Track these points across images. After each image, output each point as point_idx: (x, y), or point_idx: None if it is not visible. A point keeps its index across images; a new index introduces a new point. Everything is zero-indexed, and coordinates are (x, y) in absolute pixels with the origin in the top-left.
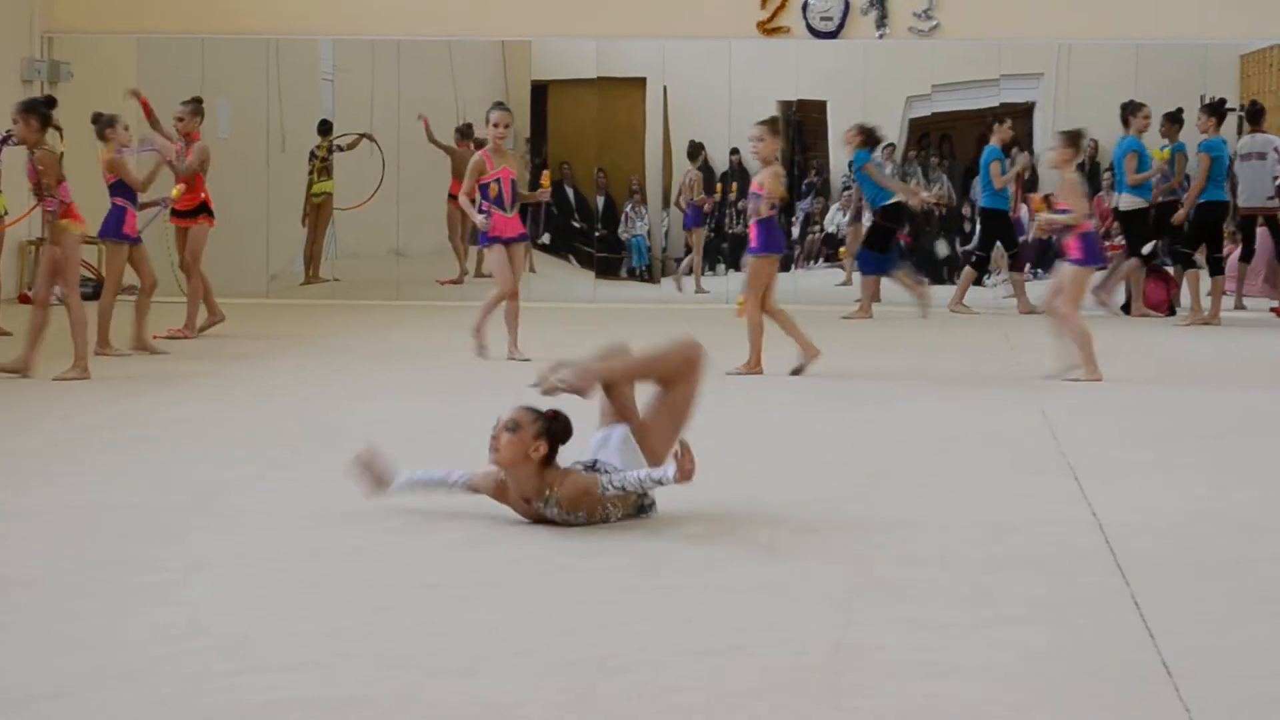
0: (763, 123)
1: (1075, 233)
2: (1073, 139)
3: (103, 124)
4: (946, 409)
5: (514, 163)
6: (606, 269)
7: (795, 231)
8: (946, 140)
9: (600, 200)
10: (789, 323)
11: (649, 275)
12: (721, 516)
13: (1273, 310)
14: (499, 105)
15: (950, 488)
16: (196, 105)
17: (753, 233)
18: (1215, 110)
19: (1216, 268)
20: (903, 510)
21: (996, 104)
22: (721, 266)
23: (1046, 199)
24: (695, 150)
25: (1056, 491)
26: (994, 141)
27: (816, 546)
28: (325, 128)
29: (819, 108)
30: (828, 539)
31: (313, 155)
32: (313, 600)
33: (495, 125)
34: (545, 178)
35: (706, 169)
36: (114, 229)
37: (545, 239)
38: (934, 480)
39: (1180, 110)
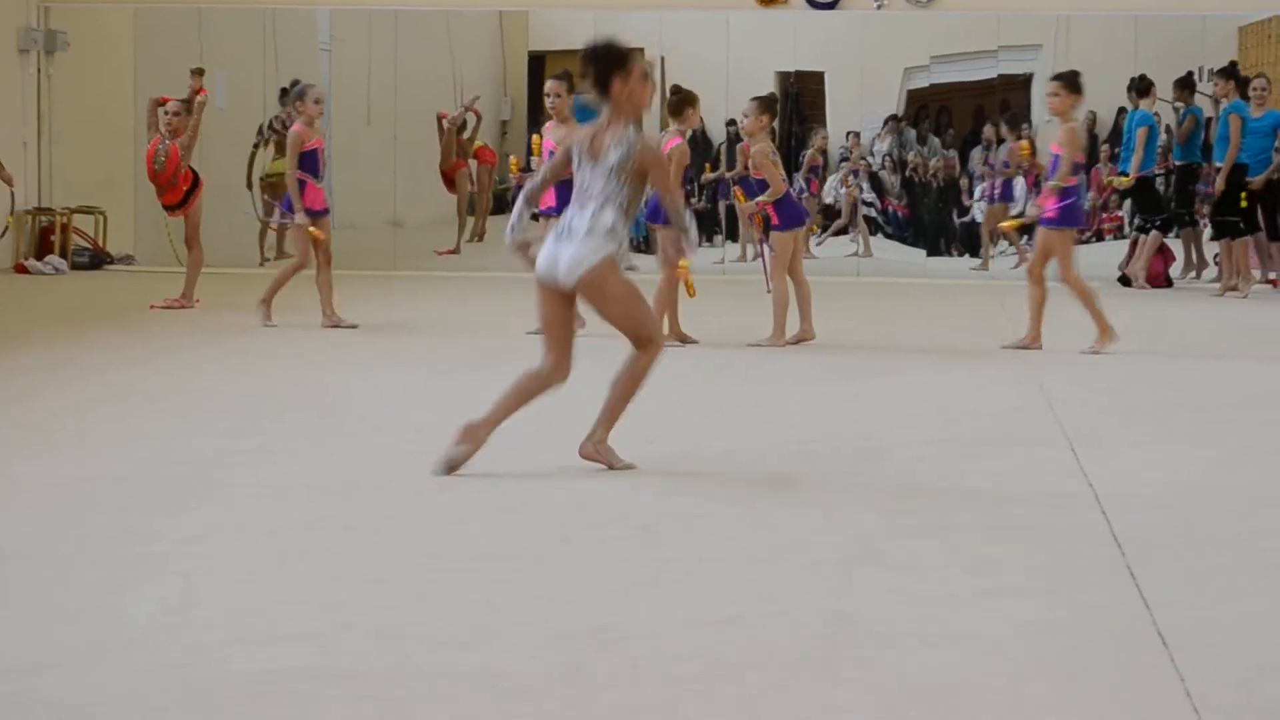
0: (755, 99)
1: (1054, 191)
2: (1073, 82)
3: (294, 96)
4: (944, 380)
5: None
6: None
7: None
8: (945, 111)
9: None
10: (805, 297)
11: (646, 247)
12: (718, 488)
13: (1269, 282)
14: (557, 76)
15: (948, 460)
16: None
17: (770, 210)
18: (1232, 74)
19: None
20: (901, 482)
21: (994, 76)
22: (720, 238)
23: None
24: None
25: (1054, 464)
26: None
27: (815, 518)
28: (287, 93)
29: (817, 79)
30: (827, 511)
31: (269, 127)
32: (310, 571)
33: (546, 95)
34: (513, 164)
35: (703, 139)
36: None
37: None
38: (932, 452)
39: (1191, 74)
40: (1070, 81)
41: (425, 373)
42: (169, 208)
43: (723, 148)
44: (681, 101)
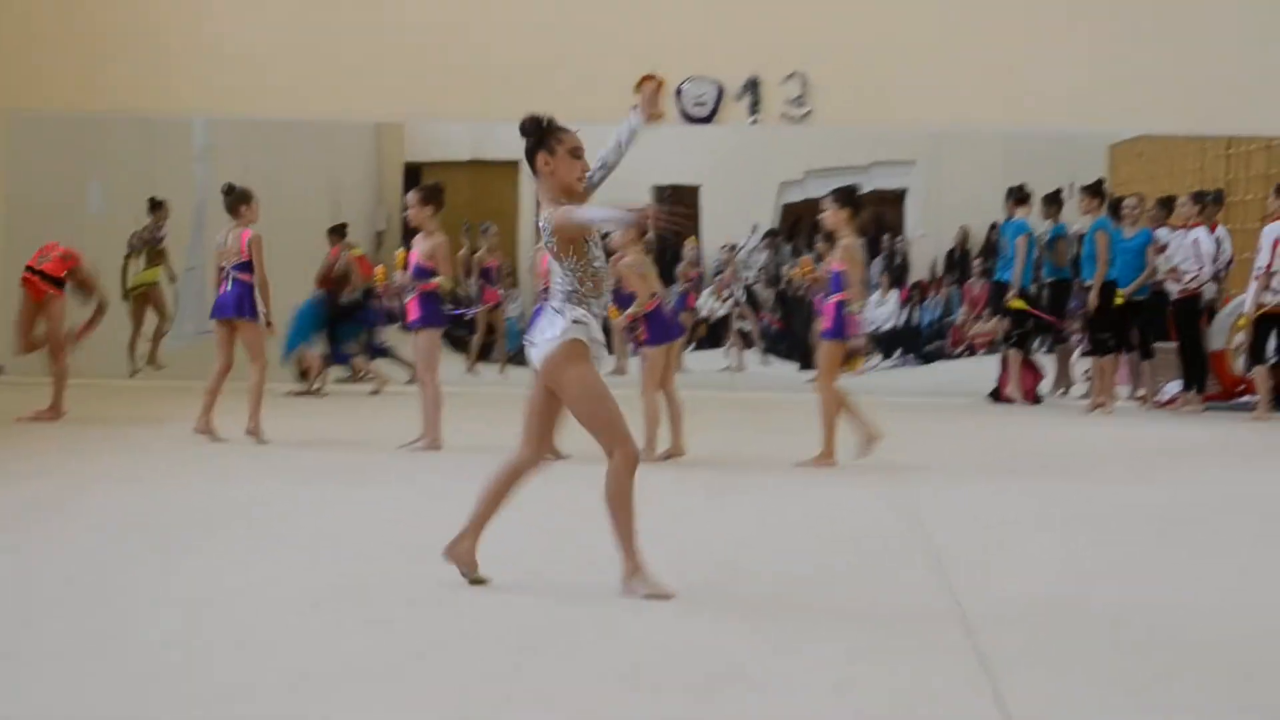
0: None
1: (831, 302)
2: (848, 198)
3: (238, 198)
4: (812, 495)
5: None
6: (485, 351)
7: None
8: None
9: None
10: (676, 414)
11: (523, 359)
12: (577, 604)
13: (1138, 399)
14: (416, 189)
15: (814, 576)
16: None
17: (642, 326)
18: (1098, 191)
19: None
20: (765, 599)
21: (868, 190)
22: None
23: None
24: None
25: (919, 581)
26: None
27: (671, 638)
28: (156, 206)
29: (692, 192)
30: (683, 629)
31: (140, 238)
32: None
33: (404, 208)
34: (380, 273)
35: None
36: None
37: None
38: (797, 569)
39: (1060, 191)
40: (845, 197)
41: (296, 488)
42: (32, 269)
43: None
44: None
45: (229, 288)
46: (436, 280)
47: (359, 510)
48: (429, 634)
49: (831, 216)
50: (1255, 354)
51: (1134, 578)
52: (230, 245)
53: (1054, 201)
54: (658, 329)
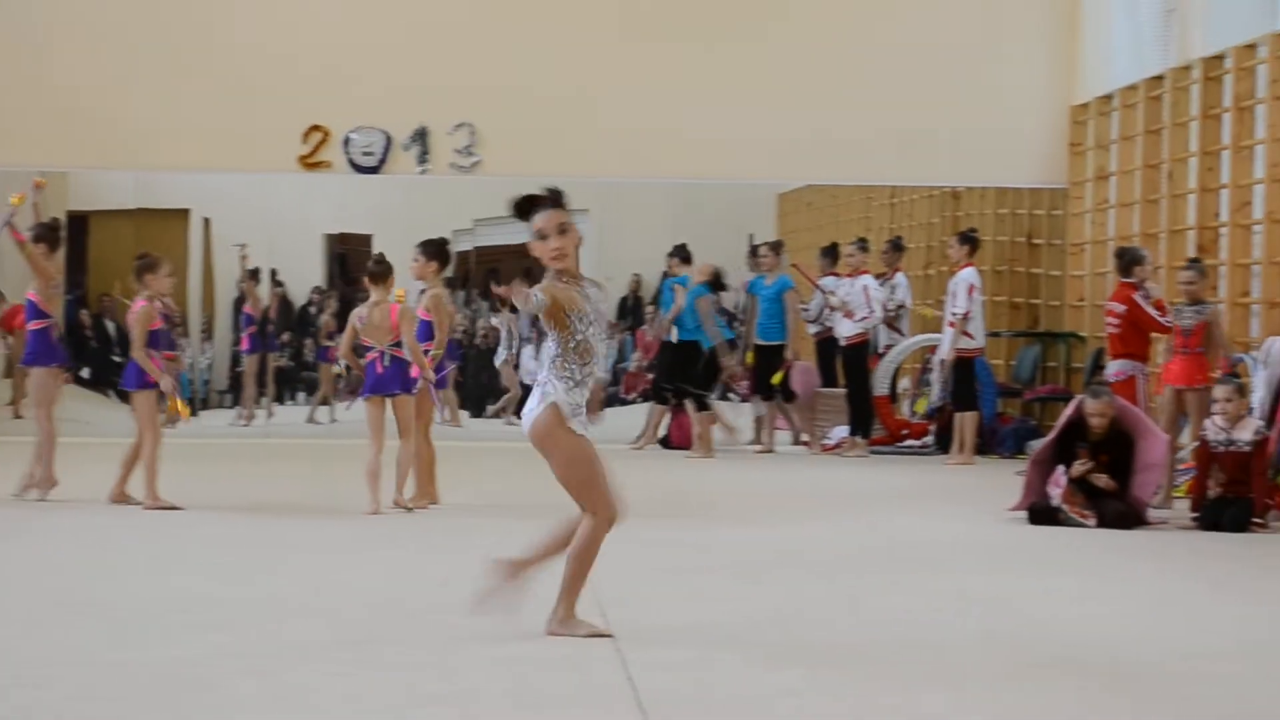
0: (423, 244)
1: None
2: (437, 250)
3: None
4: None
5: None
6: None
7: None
8: (493, 274)
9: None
10: (406, 461)
11: (192, 408)
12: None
13: (802, 444)
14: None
15: (468, 620)
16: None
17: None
18: (776, 248)
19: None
20: (420, 650)
21: None
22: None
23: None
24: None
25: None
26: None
27: (249, 682)
28: None
29: (366, 241)
30: (262, 675)
31: None
32: None
33: None
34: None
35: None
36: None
37: (85, 373)
38: (448, 615)
39: (684, 245)
40: (433, 250)
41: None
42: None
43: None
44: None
45: None
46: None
47: None
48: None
49: (419, 268)
50: (958, 398)
51: (795, 619)
52: None
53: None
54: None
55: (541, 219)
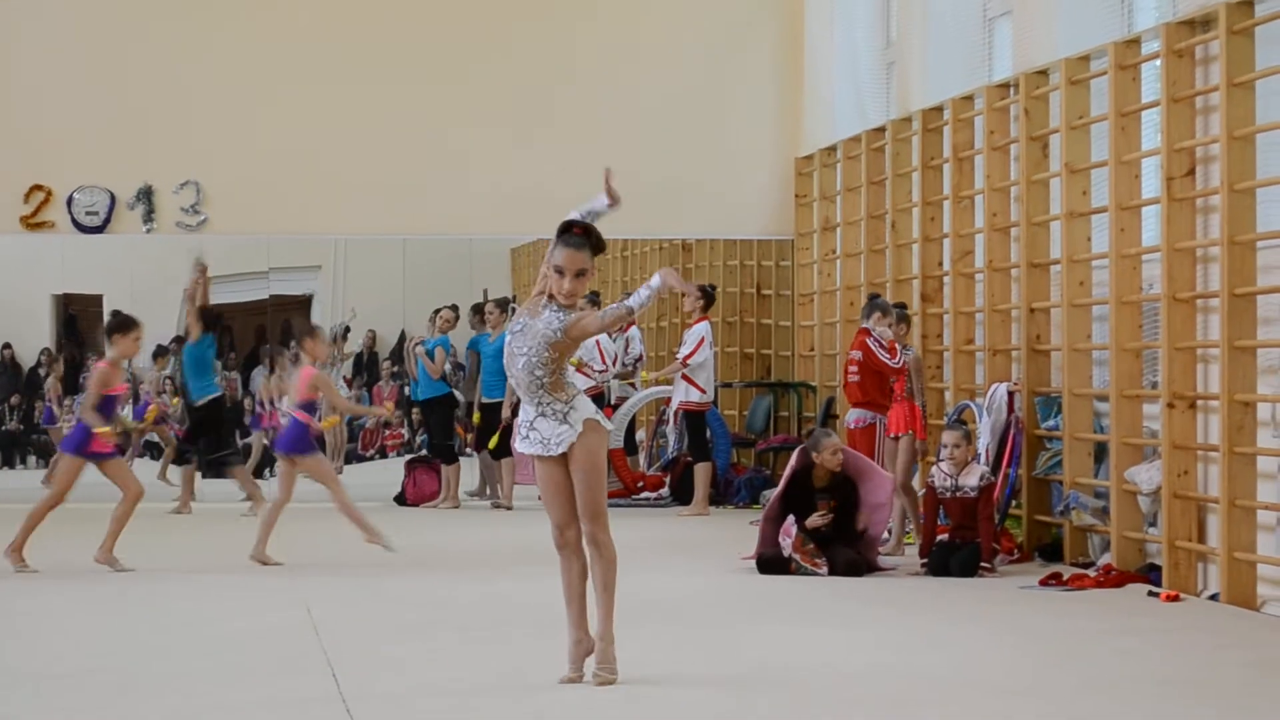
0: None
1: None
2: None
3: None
4: (217, 603)
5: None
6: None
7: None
8: (228, 332)
9: None
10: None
11: None
12: None
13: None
14: None
15: (215, 690)
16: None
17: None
18: (504, 305)
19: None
20: (165, 710)
21: (267, 296)
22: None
23: None
24: None
25: (314, 690)
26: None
27: None
28: None
29: (96, 301)
30: None
31: None
32: None
33: None
34: None
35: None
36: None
37: None
38: (197, 678)
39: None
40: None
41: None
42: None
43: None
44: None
45: None
46: None
47: None
48: None
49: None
50: (692, 450)
51: (529, 678)
52: None
53: (478, 312)
54: None
55: (567, 256)
